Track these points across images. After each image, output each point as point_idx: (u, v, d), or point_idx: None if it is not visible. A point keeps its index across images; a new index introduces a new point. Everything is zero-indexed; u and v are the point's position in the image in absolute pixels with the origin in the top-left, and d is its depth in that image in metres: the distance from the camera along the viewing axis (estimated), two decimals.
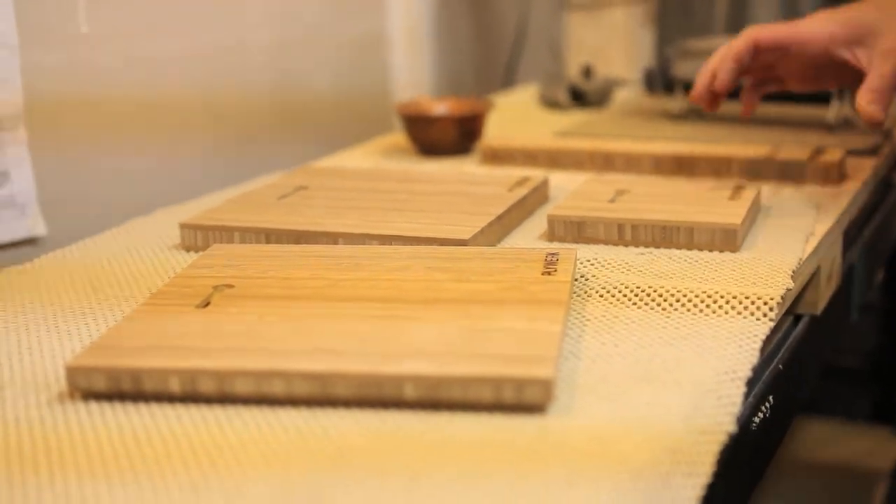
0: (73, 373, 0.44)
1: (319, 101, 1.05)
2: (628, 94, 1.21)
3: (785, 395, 0.57)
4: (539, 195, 0.75)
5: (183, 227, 0.65)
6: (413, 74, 1.17)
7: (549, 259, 0.57)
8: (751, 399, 0.51)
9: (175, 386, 0.44)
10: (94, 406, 0.44)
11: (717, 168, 0.80)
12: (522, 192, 0.72)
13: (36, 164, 0.75)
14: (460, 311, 0.49)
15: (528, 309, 0.50)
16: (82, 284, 0.60)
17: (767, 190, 0.75)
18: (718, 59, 0.72)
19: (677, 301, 0.55)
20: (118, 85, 0.82)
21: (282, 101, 1.00)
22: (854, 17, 0.71)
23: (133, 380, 0.44)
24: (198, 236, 0.65)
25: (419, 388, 0.43)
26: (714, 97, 0.74)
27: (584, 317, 0.54)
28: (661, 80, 1.11)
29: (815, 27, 0.71)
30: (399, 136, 1.00)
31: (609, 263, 0.60)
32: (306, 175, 0.78)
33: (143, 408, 0.44)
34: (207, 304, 0.51)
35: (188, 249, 0.65)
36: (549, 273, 0.55)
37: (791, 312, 0.63)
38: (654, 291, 0.56)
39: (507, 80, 1.32)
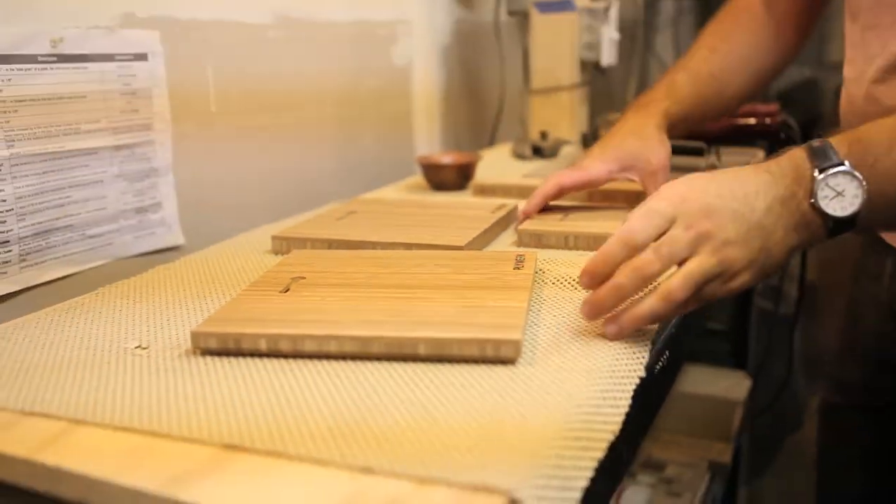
0: (196, 337, 0.42)
1: (367, 155, 1.03)
2: (571, 150, 1.19)
3: (675, 350, 0.55)
4: (512, 216, 0.73)
5: (274, 238, 0.63)
6: (428, 137, 1.16)
7: (518, 259, 0.55)
8: (654, 353, 0.48)
9: (263, 346, 0.41)
10: (209, 360, 0.42)
11: (629, 198, 0.78)
12: (501, 213, 0.70)
13: (179, 196, 0.73)
14: (457, 294, 0.47)
15: (504, 293, 0.47)
16: (205, 277, 0.58)
17: None
18: (534, 195, 0.67)
19: None
20: (232, 146, 0.80)
21: (342, 156, 0.98)
22: (621, 151, 0.65)
23: (235, 342, 0.42)
24: (283, 245, 0.63)
25: (429, 348, 0.41)
26: (524, 218, 0.68)
27: (542, 298, 0.51)
28: (592, 140, 1.09)
29: (598, 168, 0.65)
30: (418, 178, 0.98)
31: (559, 261, 0.58)
32: (356, 204, 0.76)
33: (241, 360, 0.41)
34: (287, 290, 0.49)
35: (277, 253, 0.63)
36: (518, 268, 0.52)
37: None
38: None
39: (491, 140, 1.30)
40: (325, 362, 0.41)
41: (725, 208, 0.43)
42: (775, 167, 0.45)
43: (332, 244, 0.62)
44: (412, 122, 1.11)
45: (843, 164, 0.44)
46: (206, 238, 0.73)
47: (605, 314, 0.43)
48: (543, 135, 1.15)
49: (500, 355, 0.40)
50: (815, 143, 0.45)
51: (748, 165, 0.46)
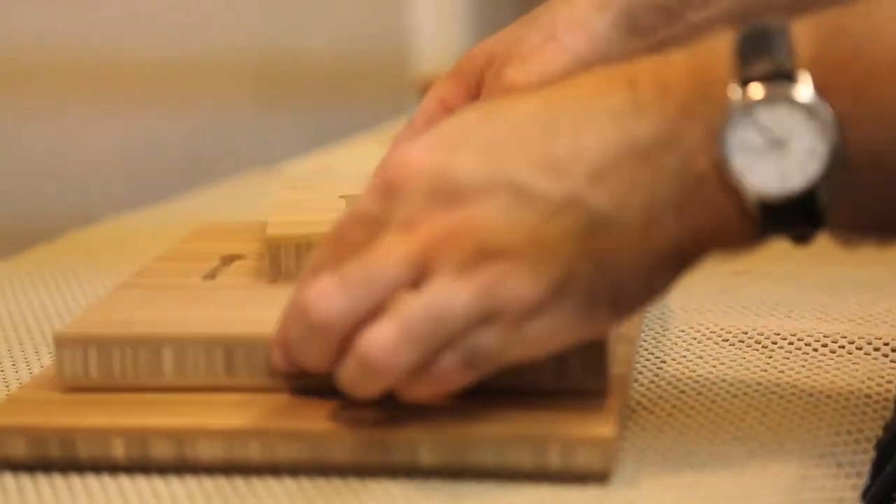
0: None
1: (314, 70, 1.06)
2: None
3: None
4: None
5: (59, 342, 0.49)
6: (440, 37, 1.17)
7: None
8: (890, 468, 0.50)
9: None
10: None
11: None
12: None
13: None
14: None
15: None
16: None
17: None
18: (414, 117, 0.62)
19: (783, 339, 0.55)
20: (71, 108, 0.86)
21: (264, 69, 1.01)
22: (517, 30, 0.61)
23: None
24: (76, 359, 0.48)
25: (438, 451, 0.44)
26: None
27: (658, 358, 0.54)
28: None
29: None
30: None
31: (693, 287, 0.61)
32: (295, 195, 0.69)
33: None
34: (214, 275, 0.55)
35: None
36: None
37: None
38: (752, 328, 0.56)
39: None
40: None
41: (498, 178, 0.41)
42: (650, 73, 0.42)
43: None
44: (407, 7, 1.13)
45: (793, 76, 0.40)
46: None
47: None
48: None
49: (572, 466, 0.43)
50: (760, 23, 0.41)
51: (600, 68, 0.44)
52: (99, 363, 0.47)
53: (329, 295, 0.41)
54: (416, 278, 0.41)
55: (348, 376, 0.42)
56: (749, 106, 0.40)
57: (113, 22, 0.91)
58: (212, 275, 0.55)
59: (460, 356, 0.41)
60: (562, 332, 0.42)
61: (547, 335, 0.41)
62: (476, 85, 0.60)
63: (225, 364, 0.47)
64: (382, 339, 0.40)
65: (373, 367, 0.40)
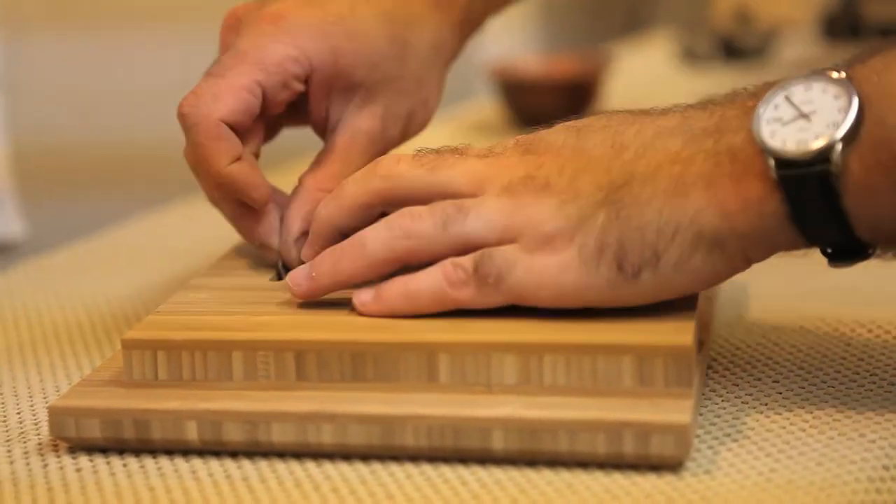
0: (57, 414, 0.47)
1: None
2: (799, 49, 1.20)
3: None
4: None
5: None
6: (509, 25, 1.18)
7: None
8: None
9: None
10: (88, 467, 0.47)
11: None
12: None
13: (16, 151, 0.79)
14: None
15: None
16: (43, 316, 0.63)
17: None
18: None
19: (862, 327, 0.55)
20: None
21: None
22: (330, 22, 0.59)
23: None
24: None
25: (511, 437, 0.44)
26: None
27: (733, 345, 0.55)
28: (846, 25, 1.11)
29: (270, 56, 0.58)
30: (490, 106, 1.01)
31: (767, 273, 0.61)
32: None
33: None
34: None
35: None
36: None
37: None
38: (830, 315, 0.56)
39: (631, 24, 1.33)
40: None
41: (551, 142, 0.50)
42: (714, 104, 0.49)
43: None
44: None
45: (824, 71, 0.46)
46: (74, 225, 0.79)
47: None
48: (742, 16, 1.17)
49: (647, 454, 0.43)
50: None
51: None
52: (168, 367, 0.48)
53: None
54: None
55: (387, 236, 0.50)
56: (779, 89, 0.46)
57: None
58: (280, 275, 0.55)
59: (475, 257, 0.48)
60: (565, 274, 0.47)
61: (552, 270, 0.47)
62: None
63: (296, 369, 0.48)
64: (416, 212, 0.49)
65: (403, 230, 0.49)
